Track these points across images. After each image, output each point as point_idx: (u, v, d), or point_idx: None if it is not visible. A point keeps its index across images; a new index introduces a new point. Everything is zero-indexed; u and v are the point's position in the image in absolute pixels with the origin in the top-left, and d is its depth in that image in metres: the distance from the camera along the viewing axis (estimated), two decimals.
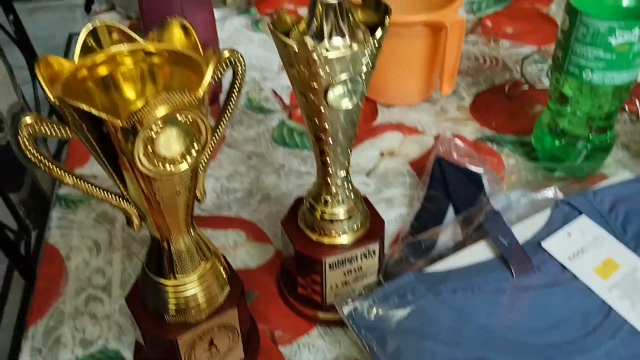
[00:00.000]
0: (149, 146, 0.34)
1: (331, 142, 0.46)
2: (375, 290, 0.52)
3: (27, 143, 0.35)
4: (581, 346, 0.48)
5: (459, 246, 0.57)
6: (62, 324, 0.55)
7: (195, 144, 0.36)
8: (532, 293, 0.51)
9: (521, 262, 0.53)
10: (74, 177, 0.39)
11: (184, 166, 0.36)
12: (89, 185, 0.40)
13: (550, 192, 0.62)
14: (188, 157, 0.36)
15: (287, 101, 0.81)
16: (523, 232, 0.55)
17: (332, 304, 0.54)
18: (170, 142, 0.35)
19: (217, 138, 0.44)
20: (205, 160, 0.44)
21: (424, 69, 0.74)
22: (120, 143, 0.34)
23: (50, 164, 0.37)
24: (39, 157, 0.36)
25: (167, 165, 0.36)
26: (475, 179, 0.64)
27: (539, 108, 0.77)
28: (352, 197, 0.51)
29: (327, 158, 0.48)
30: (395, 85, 0.77)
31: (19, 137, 0.35)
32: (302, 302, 0.55)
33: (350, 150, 0.49)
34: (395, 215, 0.64)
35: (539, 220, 0.57)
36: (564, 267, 0.53)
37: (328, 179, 0.49)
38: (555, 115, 0.66)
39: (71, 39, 2.47)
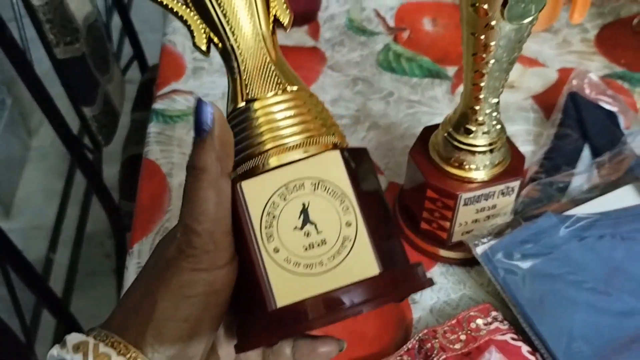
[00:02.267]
0: None
1: (492, 63, 0.41)
2: (511, 230, 0.48)
3: None
4: None
5: (598, 190, 0.52)
6: None
7: None
8: None
9: None
10: None
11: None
12: None
13: None
14: None
15: (391, 23, 0.75)
16: None
17: (458, 242, 0.50)
18: None
19: None
20: None
21: None
22: None
23: None
24: None
25: None
26: (612, 118, 0.58)
27: None
28: (498, 128, 0.46)
29: (482, 81, 0.43)
30: None
31: None
32: (425, 238, 0.51)
33: (507, 76, 0.43)
34: None
35: None
36: None
37: (477, 105, 0.44)
38: None
39: None
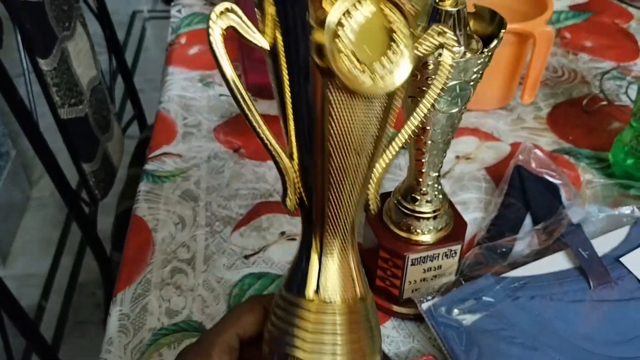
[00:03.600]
0: (343, 42, 0.26)
1: (429, 143, 0.48)
2: (454, 289, 0.54)
3: (217, 38, 0.28)
4: None
5: (534, 255, 0.58)
6: (149, 292, 0.58)
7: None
8: (609, 306, 0.52)
9: (600, 275, 0.54)
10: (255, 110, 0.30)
11: (397, 77, 0.27)
12: (265, 128, 0.31)
13: (628, 210, 0.62)
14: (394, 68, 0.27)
15: None
16: (601, 246, 0.56)
17: (408, 299, 0.56)
18: (366, 41, 0.27)
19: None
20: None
21: (506, 76, 0.75)
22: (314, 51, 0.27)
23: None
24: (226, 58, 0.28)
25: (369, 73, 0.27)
26: (554, 190, 0.65)
27: (616, 124, 0.78)
28: (440, 197, 0.53)
29: (423, 158, 0.49)
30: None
31: (209, 29, 0.28)
32: (380, 294, 0.57)
33: (445, 154, 0.50)
34: (470, 218, 0.65)
35: (618, 236, 0.58)
36: None
37: (420, 178, 0.51)
38: (638, 134, 0.66)
39: (134, 16, 2.54)
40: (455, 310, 0.52)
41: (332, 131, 0.29)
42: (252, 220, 0.65)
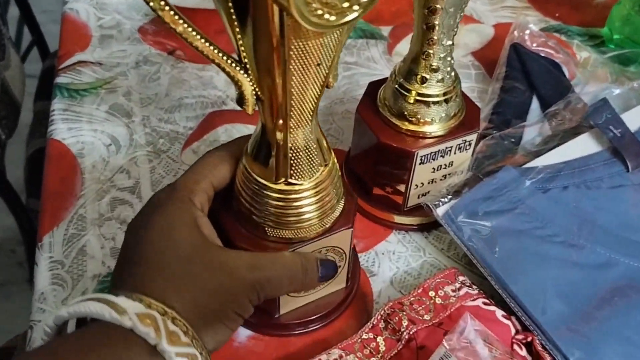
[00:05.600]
0: None
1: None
2: (469, 188, 0.44)
3: None
4: None
5: (550, 141, 0.49)
6: (85, 230, 0.45)
7: None
8: None
9: (636, 155, 0.45)
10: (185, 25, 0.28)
11: (352, 14, 0.26)
12: (203, 40, 0.29)
13: (637, 84, 0.54)
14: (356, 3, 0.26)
15: None
16: (631, 122, 0.48)
17: (412, 207, 0.46)
18: None
19: None
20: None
21: None
22: None
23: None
24: None
25: (327, 14, 0.25)
26: (557, 68, 0.55)
27: None
28: (453, 75, 0.42)
29: (436, 18, 0.38)
30: None
31: None
32: (378, 204, 0.46)
33: (462, 13, 0.39)
34: None
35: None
36: None
37: (430, 49, 0.40)
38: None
39: None
40: (479, 212, 0.42)
41: (292, 54, 0.28)
42: (206, 133, 0.53)
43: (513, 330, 0.38)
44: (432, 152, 0.43)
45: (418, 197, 0.45)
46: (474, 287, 0.40)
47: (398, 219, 0.47)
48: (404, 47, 0.62)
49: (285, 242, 0.35)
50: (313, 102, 0.31)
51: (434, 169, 0.44)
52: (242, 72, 0.30)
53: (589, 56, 0.61)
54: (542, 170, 0.44)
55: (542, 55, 0.57)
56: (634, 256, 0.40)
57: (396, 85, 0.42)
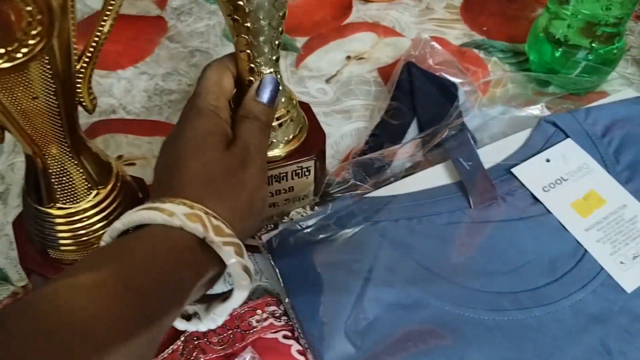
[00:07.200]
0: None
1: (251, 27, 0.36)
2: (304, 215, 0.43)
3: None
4: (542, 296, 0.39)
5: (416, 168, 0.48)
6: None
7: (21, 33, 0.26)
8: (491, 228, 0.42)
9: (483, 191, 0.43)
10: None
11: (19, 59, 0.26)
12: None
13: (536, 110, 0.52)
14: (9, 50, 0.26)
15: None
16: (493, 154, 0.46)
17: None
18: None
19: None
20: (88, 57, 0.34)
21: None
22: None
23: None
24: None
25: None
26: (450, 91, 0.53)
27: (540, 11, 0.65)
28: (282, 100, 0.41)
29: (249, 50, 0.38)
30: None
31: None
32: None
33: (278, 43, 0.38)
34: (352, 129, 0.54)
35: (516, 141, 0.48)
36: (535, 198, 0.44)
37: (251, 76, 0.39)
38: (553, 17, 0.54)
39: None
40: (303, 239, 0.42)
41: None
42: None
43: None
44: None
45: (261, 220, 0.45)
46: (282, 318, 0.40)
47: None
48: (314, 60, 0.61)
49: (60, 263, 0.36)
50: (54, 130, 0.32)
51: (272, 193, 0.44)
52: None
53: (504, 74, 0.58)
54: (376, 201, 0.43)
55: (441, 74, 0.55)
56: (447, 299, 0.39)
57: None
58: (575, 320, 0.38)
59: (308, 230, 0.42)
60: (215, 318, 0.33)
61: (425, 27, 0.64)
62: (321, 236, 0.42)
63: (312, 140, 0.44)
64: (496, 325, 0.38)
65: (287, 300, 0.40)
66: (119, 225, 0.30)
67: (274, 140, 0.42)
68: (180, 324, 0.33)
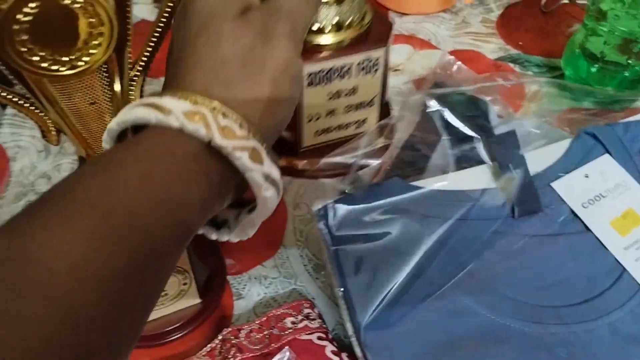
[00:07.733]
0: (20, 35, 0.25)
1: None
2: (353, 192, 0.42)
3: None
4: (580, 313, 0.39)
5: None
6: None
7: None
8: (533, 241, 0.42)
9: (528, 201, 0.43)
10: None
11: (81, 67, 0.27)
12: None
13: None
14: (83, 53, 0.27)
15: None
16: (533, 163, 0.45)
17: (312, 149, 0.39)
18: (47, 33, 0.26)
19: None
20: (141, 65, 0.34)
21: None
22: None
23: None
24: None
25: (45, 62, 0.27)
26: (480, 108, 0.53)
27: (577, 27, 0.65)
28: None
29: None
30: None
31: None
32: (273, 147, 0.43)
33: None
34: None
35: (555, 151, 0.47)
36: (574, 214, 0.44)
37: None
38: (590, 33, 0.54)
39: None
40: (355, 223, 0.41)
41: (58, 95, 0.30)
42: None
43: None
44: (323, 70, 0.35)
45: (316, 135, 0.39)
46: (317, 320, 0.41)
47: (295, 161, 0.40)
48: None
49: None
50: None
51: (330, 94, 0.37)
52: (33, 108, 0.32)
53: (538, 90, 0.58)
54: (425, 195, 0.43)
55: (465, 92, 0.54)
56: (489, 306, 0.39)
57: None
58: (614, 339, 0.38)
59: (363, 216, 0.41)
60: (245, 229, 0.28)
61: (461, 41, 0.65)
62: (378, 219, 0.41)
63: (380, 26, 0.37)
64: (539, 338, 0.38)
65: (337, 282, 0.40)
66: (114, 125, 0.25)
67: (335, 21, 0.35)
68: (210, 233, 0.28)
